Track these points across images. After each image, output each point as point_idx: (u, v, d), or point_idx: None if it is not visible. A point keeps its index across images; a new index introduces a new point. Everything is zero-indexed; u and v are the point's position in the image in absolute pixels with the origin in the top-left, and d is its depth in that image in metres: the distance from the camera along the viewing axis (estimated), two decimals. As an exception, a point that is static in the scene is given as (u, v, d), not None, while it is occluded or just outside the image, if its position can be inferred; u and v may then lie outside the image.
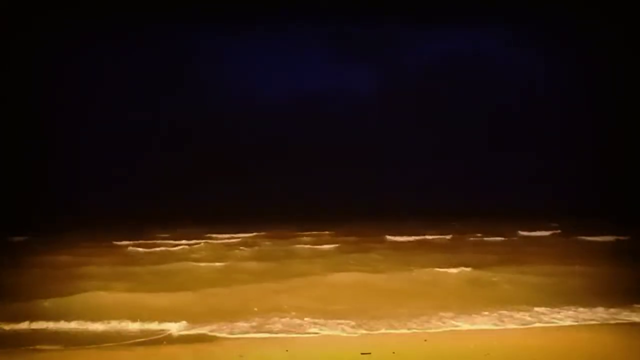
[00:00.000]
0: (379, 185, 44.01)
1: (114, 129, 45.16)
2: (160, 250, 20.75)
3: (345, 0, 42.44)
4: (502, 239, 23.36)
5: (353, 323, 10.08)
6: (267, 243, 22.85)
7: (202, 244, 22.21)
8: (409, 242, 22.84)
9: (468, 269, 14.65)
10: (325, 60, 47.25)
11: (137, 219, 33.22)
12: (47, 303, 11.50)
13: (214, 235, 24.95)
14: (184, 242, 22.57)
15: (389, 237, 23.75)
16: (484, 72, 46.32)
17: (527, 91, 46.16)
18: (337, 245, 21.31)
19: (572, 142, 43.99)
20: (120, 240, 23.04)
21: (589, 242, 22.36)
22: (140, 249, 21.04)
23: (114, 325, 10.16)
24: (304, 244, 21.86)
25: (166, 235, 25.62)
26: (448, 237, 24.02)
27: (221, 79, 47.54)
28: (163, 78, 45.56)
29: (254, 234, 25.74)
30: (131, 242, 22.43)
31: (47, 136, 42.78)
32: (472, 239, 23.70)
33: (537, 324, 10.13)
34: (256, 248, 21.30)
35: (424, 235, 24.06)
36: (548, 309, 10.96)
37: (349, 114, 46.37)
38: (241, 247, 21.50)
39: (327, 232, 26.03)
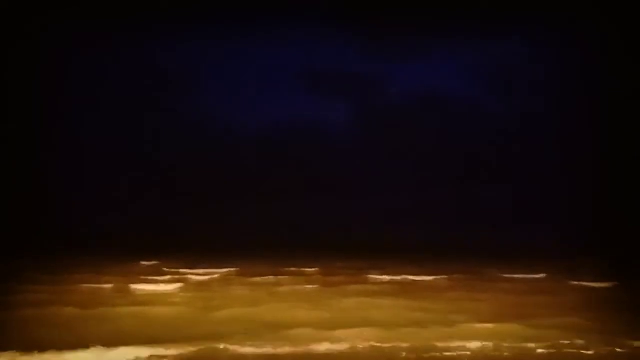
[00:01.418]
0: (352, 218, 43.85)
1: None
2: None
3: (320, 35, 43.32)
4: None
5: None
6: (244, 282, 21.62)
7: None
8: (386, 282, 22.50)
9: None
10: (300, 93, 47.77)
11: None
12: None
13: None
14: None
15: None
16: (461, 107, 46.62)
17: (505, 127, 45.98)
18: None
19: (550, 179, 43.84)
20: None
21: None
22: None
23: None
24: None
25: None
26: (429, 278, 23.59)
27: (197, 111, 47.15)
28: (138, 106, 45.32)
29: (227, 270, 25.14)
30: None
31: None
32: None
33: None
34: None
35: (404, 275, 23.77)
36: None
37: (323, 147, 46.41)
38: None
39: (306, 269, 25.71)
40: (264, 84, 48.95)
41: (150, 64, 45.81)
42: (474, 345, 12.08)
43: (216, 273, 24.27)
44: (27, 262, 26.18)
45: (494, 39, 45.02)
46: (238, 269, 25.09)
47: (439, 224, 42.19)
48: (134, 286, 19.65)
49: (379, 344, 12.00)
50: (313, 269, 25.82)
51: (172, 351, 11.14)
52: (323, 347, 11.89)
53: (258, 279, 21.98)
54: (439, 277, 23.57)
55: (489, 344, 12.12)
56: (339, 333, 12.65)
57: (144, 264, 27.21)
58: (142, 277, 21.87)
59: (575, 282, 22.82)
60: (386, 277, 23.38)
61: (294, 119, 46.51)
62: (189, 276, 23.24)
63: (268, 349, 11.63)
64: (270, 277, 22.40)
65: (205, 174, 42.84)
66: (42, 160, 43.38)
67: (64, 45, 42.44)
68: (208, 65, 46.86)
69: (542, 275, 25.31)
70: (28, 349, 10.87)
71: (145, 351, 11.15)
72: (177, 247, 32.01)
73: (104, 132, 45.69)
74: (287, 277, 22.73)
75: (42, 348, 10.83)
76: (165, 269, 24.74)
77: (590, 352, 11.80)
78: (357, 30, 43.58)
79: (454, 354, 11.62)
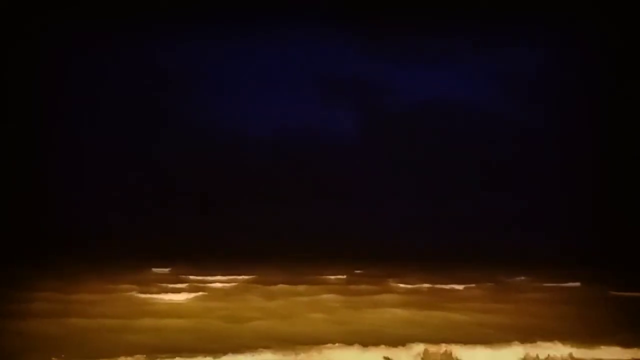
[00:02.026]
0: (361, 225, 43.75)
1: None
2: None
3: (332, 41, 43.37)
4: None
5: None
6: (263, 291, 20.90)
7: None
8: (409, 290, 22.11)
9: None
10: (311, 101, 47.61)
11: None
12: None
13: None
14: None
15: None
16: (470, 117, 46.62)
17: (515, 135, 46.30)
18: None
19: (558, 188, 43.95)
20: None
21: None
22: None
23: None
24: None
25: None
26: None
27: (207, 118, 47.08)
28: (149, 115, 45.29)
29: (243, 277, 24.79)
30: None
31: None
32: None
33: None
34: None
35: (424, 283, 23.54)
36: None
37: (333, 154, 46.53)
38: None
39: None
40: (266, 84, 48.56)
41: (150, 64, 45.76)
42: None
43: (234, 281, 23.94)
44: (28, 268, 25.89)
45: (494, 39, 45.14)
46: (255, 276, 24.73)
47: (458, 231, 42.29)
48: (149, 295, 19.37)
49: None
50: (333, 277, 25.53)
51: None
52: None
53: (278, 287, 21.47)
54: (466, 285, 23.24)
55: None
56: (364, 344, 12.62)
57: (156, 271, 26.86)
58: (157, 285, 21.69)
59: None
60: (408, 286, 22.96)
61: (305, 125, 46.29)
62: (205, 284, 22.81)
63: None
64: (290, 285, 21.88)
65: (206, 176, 42.95)
66: (42, 160, 43.27)
67: (64, 45, 42.38)
68: (208, 65, 46.82)
69: (576, 284, 24.99)
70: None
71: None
72: (187, 254, 31.85)
73: (104, 132, 45.65)
74: (306, 285, 22.11)
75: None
76: (180, 277, 24.46)
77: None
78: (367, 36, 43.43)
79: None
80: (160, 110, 46.21)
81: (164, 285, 21.88)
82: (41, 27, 40.42)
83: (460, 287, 22.72)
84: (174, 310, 16.38)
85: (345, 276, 25.89)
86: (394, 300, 18.70)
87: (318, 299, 18.60)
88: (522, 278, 26.78)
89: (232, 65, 47.67)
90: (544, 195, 43.37)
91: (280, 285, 21.77)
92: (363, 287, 22.46)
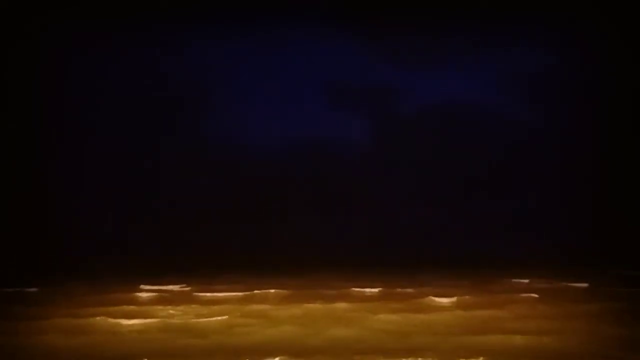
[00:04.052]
0: (372, 233, 43.43)
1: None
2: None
3: (340, 46, 43.15)
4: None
5: None
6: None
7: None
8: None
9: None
10: (319, 108, 47.16)
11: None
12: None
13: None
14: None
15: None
16: (477, 119, 46.11)
17: (522, 138, 45.91)
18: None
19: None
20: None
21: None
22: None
23: None
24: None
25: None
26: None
27: (214, 127, 46.69)
28: (153, 125, 45.03)
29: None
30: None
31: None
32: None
33: None
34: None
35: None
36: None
37: (344, 162, 45.81)
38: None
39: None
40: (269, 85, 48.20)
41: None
42: None
43: (254, 290, 23.91)
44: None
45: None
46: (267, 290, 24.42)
47: (473, 236, 41.99)
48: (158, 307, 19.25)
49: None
50: (345, 287, 25.11)
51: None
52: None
53: (290, 299, 21.46)
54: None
55: None
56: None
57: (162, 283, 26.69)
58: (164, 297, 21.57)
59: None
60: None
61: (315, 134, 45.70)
62: (214, 295, 22.85)
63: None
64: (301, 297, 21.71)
65: (207, 181, 42.88)
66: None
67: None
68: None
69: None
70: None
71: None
72: (192, 265, 31.58)
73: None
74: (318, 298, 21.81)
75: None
76: (183, 289, 24.28)
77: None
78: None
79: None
80: (161, 112, 46.04)
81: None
82: (41, 27, 40.38)
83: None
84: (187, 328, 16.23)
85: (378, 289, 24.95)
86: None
87: (331, 308, 18.50)
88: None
89: (232, 65, 47.18)
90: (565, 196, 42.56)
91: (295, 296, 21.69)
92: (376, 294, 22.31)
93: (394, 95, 46.54)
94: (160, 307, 19.44)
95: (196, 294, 23.77)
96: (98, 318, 16.60)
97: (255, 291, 23.96)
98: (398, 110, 47.37)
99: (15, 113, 41.24)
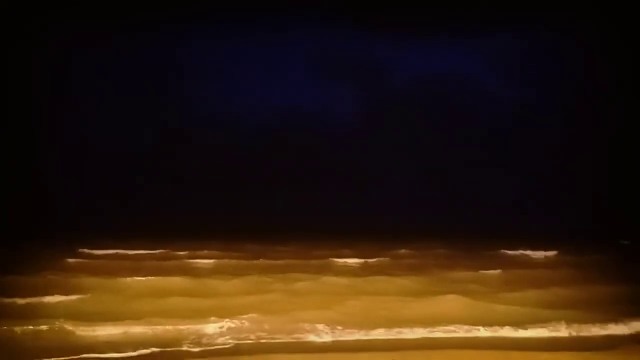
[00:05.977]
0: (362, 205, 43.54)
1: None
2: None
3: (330, 19, 43.09)
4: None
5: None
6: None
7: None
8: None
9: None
10: (309, 79, 47.23)
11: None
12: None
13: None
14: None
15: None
16: (470, 92, 46.51)
17: (514, 111, 46.33)
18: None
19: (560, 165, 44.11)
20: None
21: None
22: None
23: None
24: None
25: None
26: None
27: (205, 96, 47.09)
28: (145, 94, 45.23)
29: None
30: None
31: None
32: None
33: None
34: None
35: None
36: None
37: (332, 134, 46.14)
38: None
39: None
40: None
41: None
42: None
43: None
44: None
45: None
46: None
47: (464, 211, 42.15)
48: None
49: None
50: (347, 259, 24.87)
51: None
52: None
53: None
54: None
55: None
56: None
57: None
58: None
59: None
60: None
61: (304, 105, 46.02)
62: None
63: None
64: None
65: (210, 170, 43.08)
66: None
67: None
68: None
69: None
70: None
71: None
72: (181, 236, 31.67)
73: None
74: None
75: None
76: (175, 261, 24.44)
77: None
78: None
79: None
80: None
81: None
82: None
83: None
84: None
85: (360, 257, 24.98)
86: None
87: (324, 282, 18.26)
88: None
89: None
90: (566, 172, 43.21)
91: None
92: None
93: (385, 69, 46.77)
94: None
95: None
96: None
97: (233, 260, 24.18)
98: (387, 84, 47.65)
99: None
